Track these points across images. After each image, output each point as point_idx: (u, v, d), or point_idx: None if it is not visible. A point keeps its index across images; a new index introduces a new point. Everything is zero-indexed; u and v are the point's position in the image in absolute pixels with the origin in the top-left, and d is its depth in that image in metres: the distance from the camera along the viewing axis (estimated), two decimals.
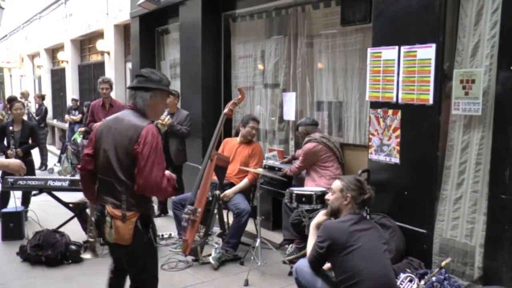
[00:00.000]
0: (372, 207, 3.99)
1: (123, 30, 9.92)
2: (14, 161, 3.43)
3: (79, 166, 2.97)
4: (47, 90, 15.34)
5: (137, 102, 2.76)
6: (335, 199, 2.98)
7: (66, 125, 11.63)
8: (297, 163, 4.81)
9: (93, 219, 2.78)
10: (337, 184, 3.00)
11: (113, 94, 7.16)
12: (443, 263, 3.17)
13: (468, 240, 3.54)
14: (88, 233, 4.73)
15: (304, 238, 4.19)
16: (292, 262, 4.23)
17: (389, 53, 3.91)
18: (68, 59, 12.99)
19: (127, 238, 2.63)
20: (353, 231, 2.79)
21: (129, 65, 9.52)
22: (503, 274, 3.23)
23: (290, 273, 4.03)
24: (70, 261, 4.52)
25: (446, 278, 3.30)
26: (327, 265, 3.03)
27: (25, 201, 6.04)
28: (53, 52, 15.36)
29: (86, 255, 4.67)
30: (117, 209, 2.63)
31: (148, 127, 2.63)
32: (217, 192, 4.46)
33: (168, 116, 5.73)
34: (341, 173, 4.56)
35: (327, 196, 3.10)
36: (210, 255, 4.41)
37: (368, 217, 3.93)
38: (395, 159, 3.91)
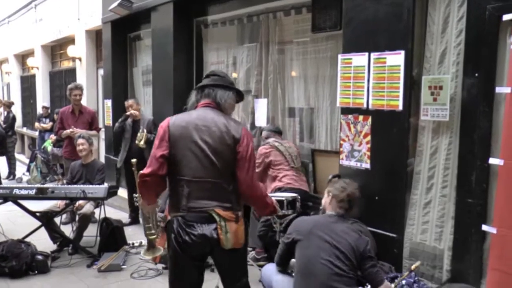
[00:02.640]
0: None
1: (95, 35, 9.77)
2: None
3: (143, 172, 2.49)
4: (16, 97, 14.95)
5: (221, 100, 2.58)
6: (323, 199, 3.22)
7: (36, 133, 11.36)
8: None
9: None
10: (328, 188, 3.22)
11: (84, 101, 7.05)
12: (412, 267, 3.19)
13: (437, 244, 3.59)
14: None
15: (268, 248, 4.36)
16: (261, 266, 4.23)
17: (359, 59, 3.95)
18: (39, 66, 12.71)
19: (242, 241, 2.49)
20: (321, 226, 2.85)
21: (101, 71, 9.38)
22: (469, 276, 3.28)
23: None
24: (36, 271, 4.37)
25: (416, 281, 3.32)
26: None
27: None
28: (22, 58, 15.01)
29: None
30: (229, 211, 2.45)
31: (244, 128, 2.54)
32: None
33: (144, 133, 5.64)
34: (294, 176, 4.55)
35: None
36: None
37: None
38: (366, 165, 3.94)
